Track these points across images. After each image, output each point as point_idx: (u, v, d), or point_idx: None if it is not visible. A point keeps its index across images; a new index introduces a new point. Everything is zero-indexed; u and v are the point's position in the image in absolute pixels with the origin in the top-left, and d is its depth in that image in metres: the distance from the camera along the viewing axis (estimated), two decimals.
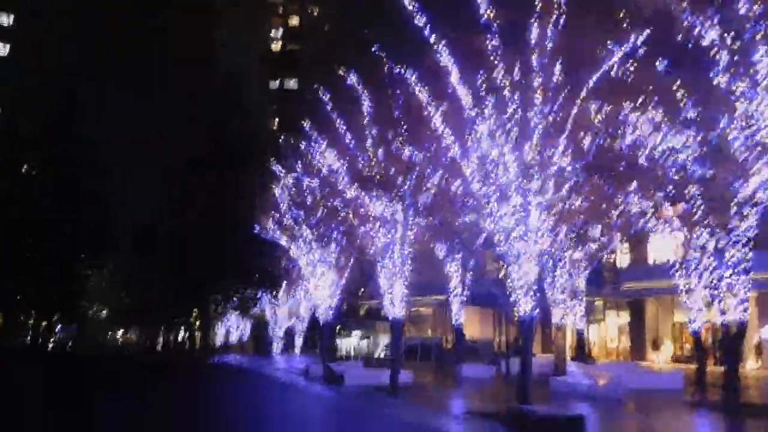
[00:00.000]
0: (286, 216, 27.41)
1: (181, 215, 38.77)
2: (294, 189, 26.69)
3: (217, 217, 36.07)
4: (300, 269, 29.54)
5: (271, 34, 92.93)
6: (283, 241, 28.96)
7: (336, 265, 25.33)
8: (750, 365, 29.37)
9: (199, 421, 12.74)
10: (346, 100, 18.70)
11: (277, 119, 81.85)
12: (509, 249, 13.18)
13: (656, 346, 36.47)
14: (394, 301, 18.96)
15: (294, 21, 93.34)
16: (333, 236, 23.86)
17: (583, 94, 12.63)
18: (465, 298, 27.67)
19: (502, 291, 13.66)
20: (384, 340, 45.19)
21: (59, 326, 56.18)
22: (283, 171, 27.67)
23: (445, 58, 13.06)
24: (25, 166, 40.90)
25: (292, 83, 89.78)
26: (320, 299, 26.15)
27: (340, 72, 18.18)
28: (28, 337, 48.86)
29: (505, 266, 13.36)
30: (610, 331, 40.52)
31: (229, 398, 17.00)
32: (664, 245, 35.03)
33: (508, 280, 13.43)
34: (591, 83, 12.65)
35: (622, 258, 37.62)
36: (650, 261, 36.70)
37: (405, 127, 16.71)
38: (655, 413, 15.16)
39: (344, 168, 19.18)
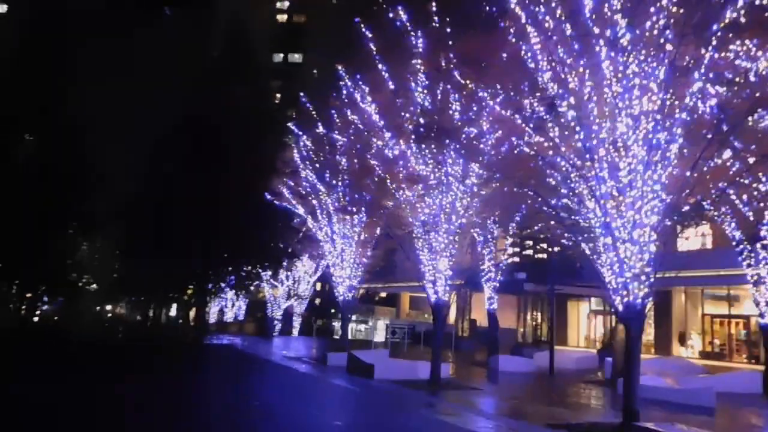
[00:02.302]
0: (305, 182, 23.93)
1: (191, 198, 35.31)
2: (315, 150, 23.22)
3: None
4: (311, 244, 26.50)
5: (277, 6, 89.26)
6: (300, 212, 25.71)
7: (359, 240, 22.27)
8: None
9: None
10: (387, 40, 15.49)
11: (279, 95, 78.37)
12: (616, 218, 10.27)
13: (683, 340, 34.16)
14: (437, 281, 16.12)
15: None
16: (360, 206, 20.56)
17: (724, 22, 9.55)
18: (497, 284, 24.96)
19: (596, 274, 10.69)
20: (383, 324, 42.56)
21: (45, 298, 53.35)
22: (302, 132, 24.22)
23: None
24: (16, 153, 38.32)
25: (296, 57, 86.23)
26: (339, 278, 23.11)
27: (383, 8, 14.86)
28: (10, 306, 46.15)
29: (612, 243, 10.38)
30: None
31: (248, 396, 14.00)
32: (693, 232, 32.52)
33: (609, 260, 10.56)
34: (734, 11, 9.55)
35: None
36: (680, 248, 34.24)
37: (460, 68, 13.50)
38: None
39: (383, 121, 16.09)
